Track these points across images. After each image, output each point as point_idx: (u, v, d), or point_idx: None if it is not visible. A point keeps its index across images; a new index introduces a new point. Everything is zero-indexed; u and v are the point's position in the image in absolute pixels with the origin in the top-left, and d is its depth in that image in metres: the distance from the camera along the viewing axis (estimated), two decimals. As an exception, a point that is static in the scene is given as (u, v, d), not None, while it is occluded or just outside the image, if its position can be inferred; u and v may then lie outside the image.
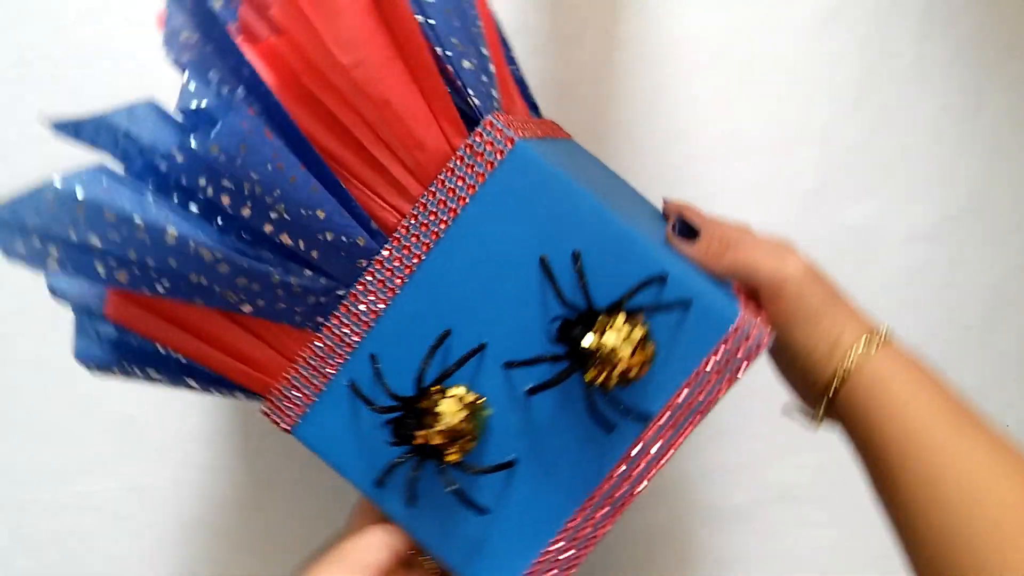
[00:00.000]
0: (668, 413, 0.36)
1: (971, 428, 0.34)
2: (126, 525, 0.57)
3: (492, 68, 0.37)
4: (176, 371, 0.38)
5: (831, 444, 0.61)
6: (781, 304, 0.37)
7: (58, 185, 0.31)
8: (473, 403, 0.36)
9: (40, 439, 0.56)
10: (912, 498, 0.34)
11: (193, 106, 0.33)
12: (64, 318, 0.60)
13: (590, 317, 0.35)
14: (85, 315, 0.38)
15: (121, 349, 0.38)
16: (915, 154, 0.58)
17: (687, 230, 0.40)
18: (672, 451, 0.36)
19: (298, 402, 0.38)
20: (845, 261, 0.57)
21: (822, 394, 0.37)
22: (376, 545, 0.36)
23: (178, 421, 0.57)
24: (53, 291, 0.38)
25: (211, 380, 0.39)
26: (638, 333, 0.35)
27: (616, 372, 0.34)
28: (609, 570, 0.59)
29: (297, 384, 0.38)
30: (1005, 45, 0.57)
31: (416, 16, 0.34)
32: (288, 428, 0.38)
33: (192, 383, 0.39)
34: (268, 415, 0.38)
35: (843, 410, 0.37)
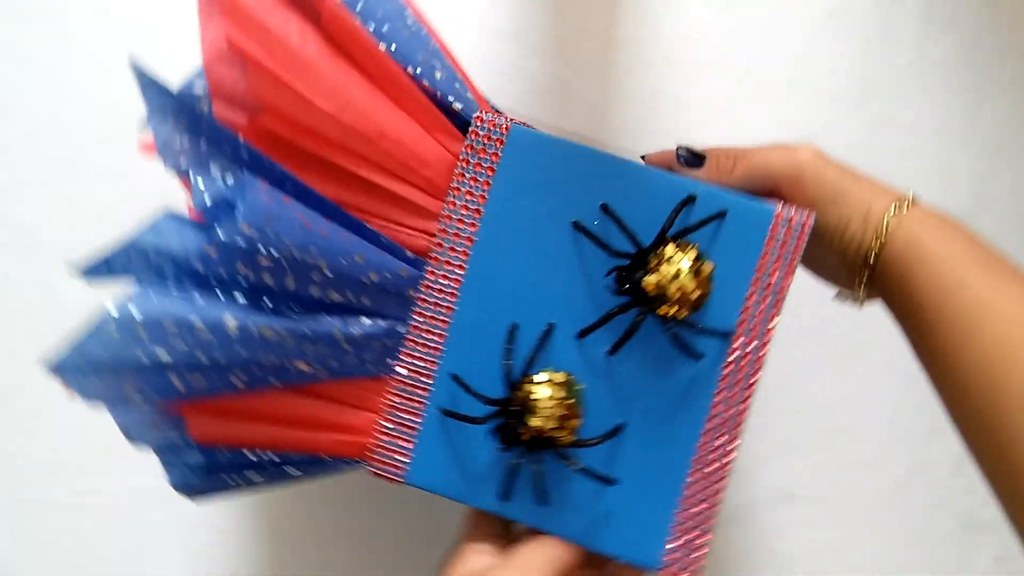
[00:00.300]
0: (745, 321, 0.37)
1: (1008, 277, 0.34)
2: (126, 525, 0.57)
3: (459, 73, 0.38)
4: (273, 467, 0.38)
5: (831, 444, 0.61)
6: (805, 191, 0.38)
7: (114, 313, 0.31)
8: (565, 382, 0.37)
9: (40, 439, 0.56)
10: (953, 350, 0.34)
11: (208, 202, 0.34)
12: (64, 318, 0.60)
13: (641, 257, 0.36)
14: (169, 452, 0.38)
15: (214, 469, 0.38)
16: (915, 154, 0.58)
17: (692, 159, 0.40)
18: (764, 353, 0.37)
19: (400, 449, 0.38)
20: (845, 261, 0.57)
21: (863, 266, 0.37)
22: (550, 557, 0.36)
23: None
24: (130, 438, 0.37)
25: (310, 463, 0.39)
26: (692, 254, 0.36)
27: (684, 299, 0.35)
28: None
29: (393, 433, 0.38)
30: (1005, 45, 0.58)
31: (379, 46, 0.36)
32: (401, 480, 0.38)
33: (293, 471, 0.39)
34: (377, 474, 0.38)
35: (883, 279, 0.37)
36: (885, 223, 0.36)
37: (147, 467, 0.60)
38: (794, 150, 0.38)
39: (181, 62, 0.60)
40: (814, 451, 0.59)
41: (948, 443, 0.58)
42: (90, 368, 0.32)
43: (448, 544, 0.62)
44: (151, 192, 0.59)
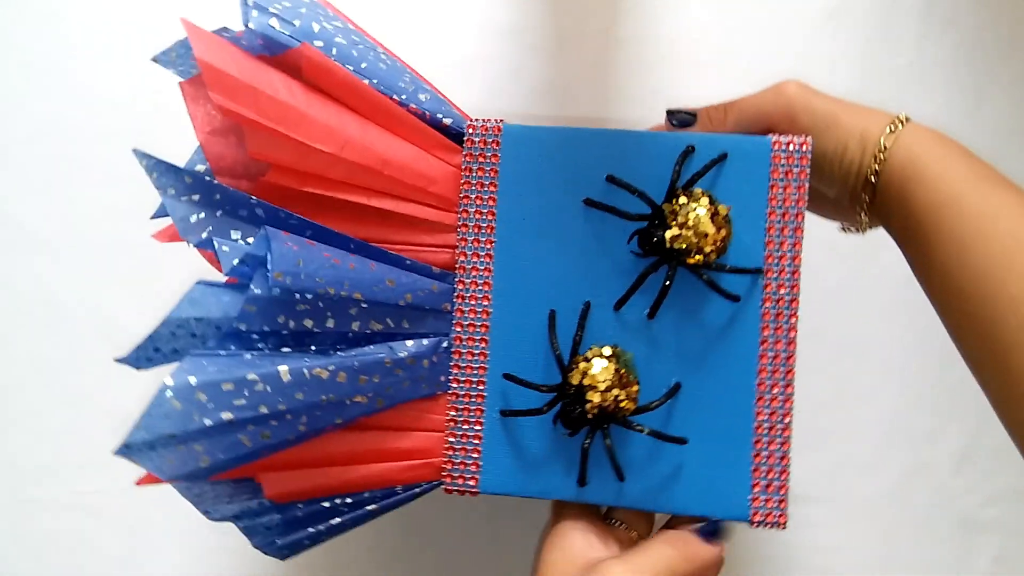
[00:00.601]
0: (772, 254, 0.38)
1: (1002, 189, 0.35)
2: (126, 525, 0.57)
3: (440, 96, 0.40)
4: (351, 510, 0.39)
5: (831, 444, 0.61)
6: (799, 123, 0.39)
7: (171, 383, 0.32)
8: (614, 353, 0.37)
9: (40, 439, 0.56)
10: (949, 262, 0.34)
11: (235, 263, 0.35)
12: (63, 318, 0.59)
13: (658, 214, 0.37)
14: (247, 518, 0.39)
15: (293, 524, 0.39)
16: (915, 154, 0.58)
17: (685, 119, 0.42)
18: (798, 280, 0.38)
19: (470, 461, 0.39)
20: (845, 261, 0.58)
21: (863, 190, 0.38)
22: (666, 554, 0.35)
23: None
24: (209, 516, 0.38)
25: (386, 496, 0.39)
26: (705, 200, 0.37)
27: (710, 241, 0.36)
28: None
29: (460, 446, 0.39)
30: (1005, 45, 0.58)
31: (362, 82, 0.37)
32: (477, 491, 0.39)
33: (373, 508, 0.39)
34: (454, 491, 0.39)
35: (884, 200, 0.38)
36: (882, 143, 0.37)
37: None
38: (780, 87, 0.40)
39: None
40: (814, 451, 0.59)
41: (948, 443, 0.58)
42: (159, 443, 0.33)
43: (447, 545, 0.62)
44: (151, 192, 0.59)
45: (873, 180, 0.37)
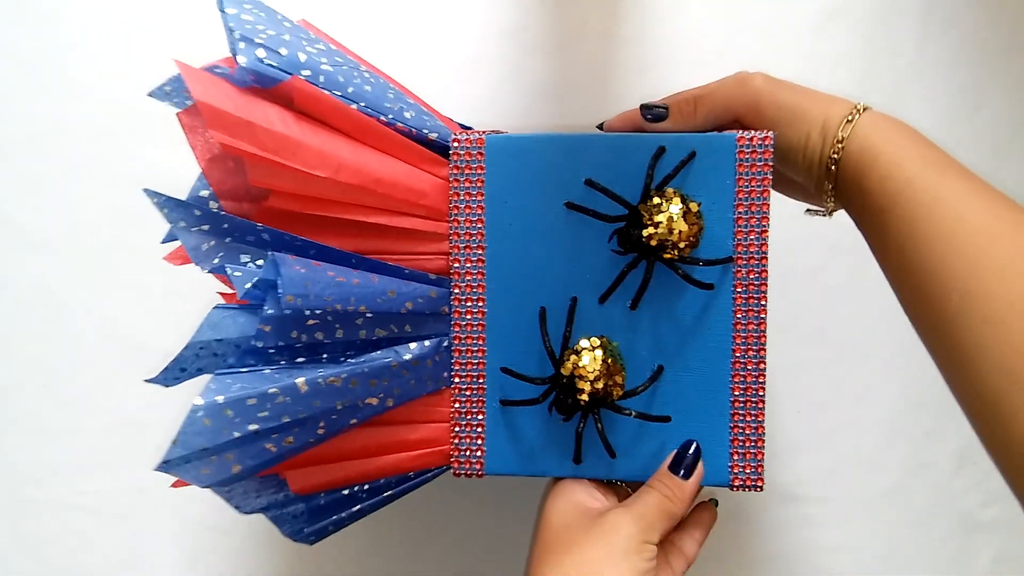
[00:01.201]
0: (741, 243, 0.42)
1: (954, 173, 0.37)
2: (126, 525, 0.57)
3: (424, 107, 0.44)
4: (370, 496, 0.44)
5: (831, 444, 0.61)
6: (764, 115, 0.41)
7: (202, 402, 0.37)
8: (602, 344, 0.41)
9: (40, 439, 0.57)
10: (901, 245, 0.37)
11: (248, 286, 0.38)
12: (63, 318, 0.59)
13: (634, 215, 0.41)
14: (275, 509, 0.43)
15: (317, 512, 0.43)
16: (915, 154, 0.58)
17: (658, 113, 0.44)
18: (765, 266, 0.42)
19: (475, 447, 0.44)
20: (845, 261, 0.58)
21: (825, 177, 0.40)
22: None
23: (178, 421, 0.57)
24: (241, 510, 0.43)
25: (401, 482, 0.44)
26: (677, 199, 0.40)
27: (683, 238, 0.40)
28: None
29: (465, 434, 0.44)
30: (1005, 45, 0.58)
31: (351, 107, 0.40)
32: (483, 473, 0.44)
33: (390, 494, 0.44)
34: (462, 474, 0.44)
35: (844, 186, 0.40)
36: (839, 133, 0.39)
37: (147, 467, 0.60)
38: (746, 79, 0.42)
39: (181, 61, 0.59)
40: (814, 451, 0.59)
41: (948, 443, 0.59)
42: (193, 456, 0.37)
43: (446, 546, 0.62)
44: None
45: (832, 168, 0.40)
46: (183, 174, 0.59)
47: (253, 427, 0.38)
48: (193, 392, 0.57)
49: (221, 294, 0.46)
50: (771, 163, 0.41)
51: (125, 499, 0.58)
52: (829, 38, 0.59)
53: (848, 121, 0.39)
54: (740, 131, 0.41)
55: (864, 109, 0.40)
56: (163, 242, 0.44)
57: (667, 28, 0.58)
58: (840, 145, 0.39)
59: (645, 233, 0.40)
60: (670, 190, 0.41)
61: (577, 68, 0.58)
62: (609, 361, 0.41)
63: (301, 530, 0.43)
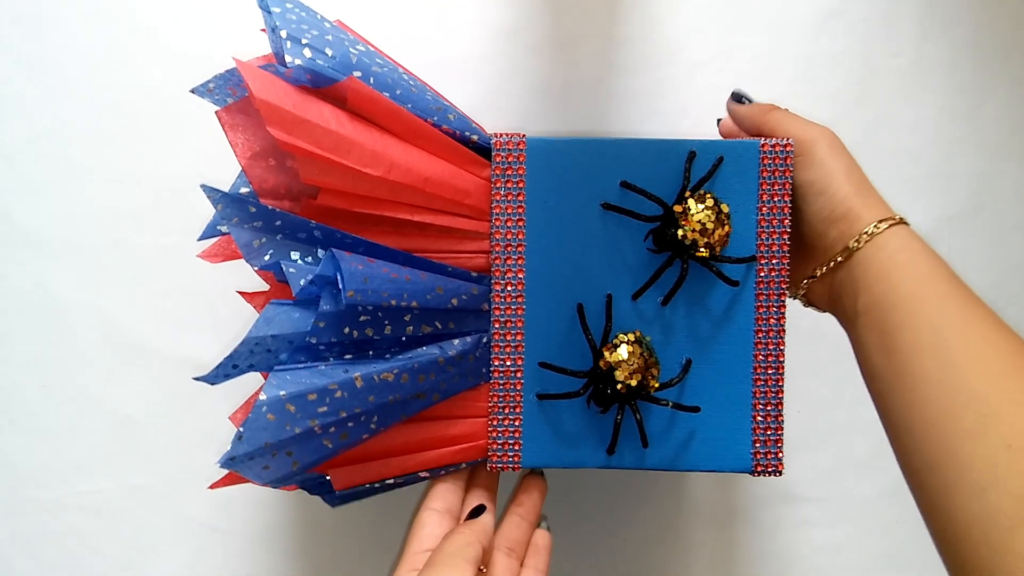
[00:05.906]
0: (763, 243, 0.44)
1: (973, 309, 0.37)
2: (126, 525, 0.57)
3: (461, 111, 0.45)
4: (403, 479, 0.44)
5: (831, 444, 0.61)
6: (812, 167, 0.43)
7: (265, 398, 0.37)
8: (638, 339, 0.43)
9: (40, 439, 0.57)
10: (906, 359, 0.37)
11: (302, 283, 0.39)
12: (63, 318, 0.59)
13: (670, 215, 0.43)
14: (310, 484, 0.44)
15: (350, 494, 0.44)
16: (915, 154, 0.59)
17: (739, 98, 0.48)
18: (785, 265, 0.44)
19: (512, 440, 0.45)
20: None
21: (833, 257, 0.42)
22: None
23: (178, 421, 0.57)
24: (276, 486, 0.42)
25: (435, 469, 0.45)
26: (710, 202, 0.42)
27: (714, 237, 0.42)
28: (610, 570, 0.59)
29: (503, 428, 0.45)
30: (1005, 45, 0.58)
31: (402, 108, 0.41)
32: (520, 466, 0.45)
33: (424, 476, 0.45)
34: (499, 468, 0.45)
35: (849, 279, 0.41)
36: (869, 231, 0.40)
37: (147, 467, 0.60)
38: (817, 128, 0.44)
39: (181, 61, 0.59)
40: (814, 451, 0.59)
41: (948, 443, 0.58)
42: (257, 452, 0.38)
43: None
44: (151, 192, 0.59)
45: (837, 261, 0.42)
46: (183, 174, 0.59)
47: (313, 423, 0.38)
48: (190, 395, 0.57)
49: (241, 293, 0.47)
50: (792, 168, 0.43)
51: (125, 499, 0.58)
52: (829, 38, 0.59)
53: (875, 230, 0.40)
54: (764, 138, 0.44)
55: (901, 221, 0.40)
56: (200, 239, 0.44)
57: (667, 28, 0.59)
58: (866, 237, 0.40)
59: (680, 232, 0.42)
60: (703, 192, 0.43)
61: (577, 68, 0.59)
62: (645, 354, 0.43)
63: (332, 501, 0.44)
